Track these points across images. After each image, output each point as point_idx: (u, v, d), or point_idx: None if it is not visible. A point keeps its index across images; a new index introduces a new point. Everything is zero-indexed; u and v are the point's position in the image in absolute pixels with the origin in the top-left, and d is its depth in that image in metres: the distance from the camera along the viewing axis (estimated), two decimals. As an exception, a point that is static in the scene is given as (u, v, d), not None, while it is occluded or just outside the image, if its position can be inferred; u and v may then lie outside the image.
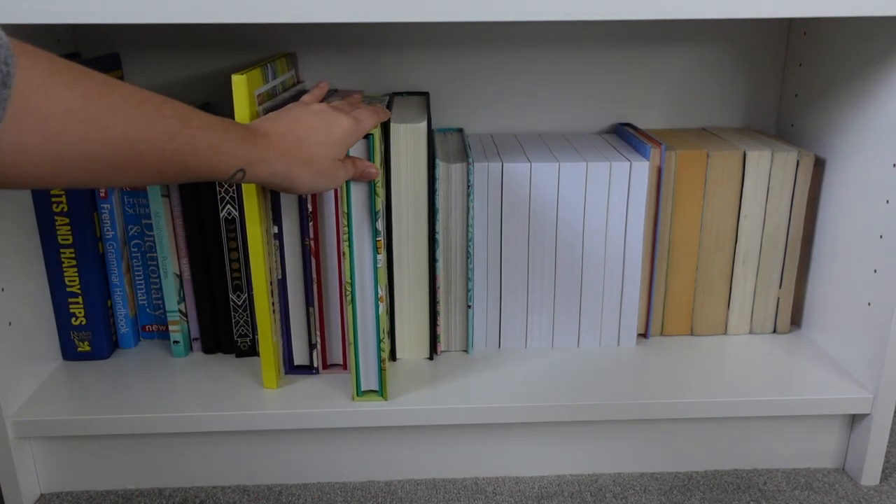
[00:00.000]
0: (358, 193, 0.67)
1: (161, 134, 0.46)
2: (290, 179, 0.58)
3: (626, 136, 0.86)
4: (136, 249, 0.82)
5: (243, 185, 0.66)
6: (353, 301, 0.70)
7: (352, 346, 0.71)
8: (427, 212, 0.75)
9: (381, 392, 0.73)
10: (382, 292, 0.70)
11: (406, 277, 0.77)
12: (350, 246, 0.68)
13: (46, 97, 0.39)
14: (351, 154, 0.65)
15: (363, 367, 0.72)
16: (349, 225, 0.67)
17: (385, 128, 0.72)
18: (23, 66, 0.37)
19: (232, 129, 0.52)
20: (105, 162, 0.43)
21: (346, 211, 0.67)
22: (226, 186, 0.76)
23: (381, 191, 0.68)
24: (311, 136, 0.59)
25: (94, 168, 0.43)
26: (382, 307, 0.70)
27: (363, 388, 0.73)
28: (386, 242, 0.73)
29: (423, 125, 0.72)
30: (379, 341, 0.71)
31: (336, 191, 0.70)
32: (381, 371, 0.72)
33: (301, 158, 0.58)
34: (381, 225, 0.68)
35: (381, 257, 0.69)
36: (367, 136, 0.66)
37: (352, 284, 0.69)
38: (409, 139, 0.72)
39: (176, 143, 0.47)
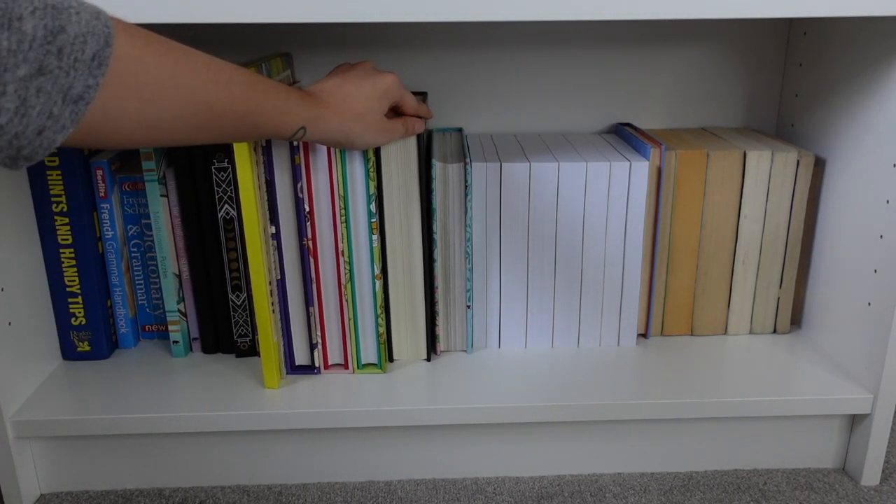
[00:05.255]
0: (353, 177, 0.71)
1: (236, 98, 0.52)
2: (345, 134, 0.64)
3: (626, 136, 0.86)
4: (135, 249, 0.82)
5: (240, 186, 0.67)
6: (351, 278, 0.74)
7: (351, 322, 0.76)
8: (420, 212, 0.74)
9: (380, 364, 0.77)
10: (378, 271, 0.74)
11: (401, 277, 0.77)
12: (347, 227, 0.73)
13: (144, 69, 0.44)
14: None
15: (363, 341, 0.77)
16: (346, 207, 0.72)
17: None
18: (123, 42, 0.42)
19: (293, 92, 0.59)
20: (189, 123, 0.49)
21: (342, 194, 0.72)
22: (223, 186, 0.76)
23: (374, 175, 0.72)
24: (360, 91, 0.64)
25: (180, 129, 0.49)
26: (379, 285, 0.75)
27: (363, 361, 0.78)
28: (380, 228, 0.74)
29: None
30: (377, 316, 0.76)
31: (331, 175, 0.71)
32: (380, 345, 0.77)
33: (352, 114, 0.63)
34: (374, 207, 0.72)
35: (376, 238, 0.73)
36: None
37: (350, 263, 0.74)
38: (398, 142, 0.72)
39: (248, 105, 0.53)
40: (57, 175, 0.75)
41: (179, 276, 0.81)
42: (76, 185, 0.76)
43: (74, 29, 0.39)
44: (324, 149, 0.70)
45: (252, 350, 0.82)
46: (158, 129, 0.47)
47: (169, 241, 0.79)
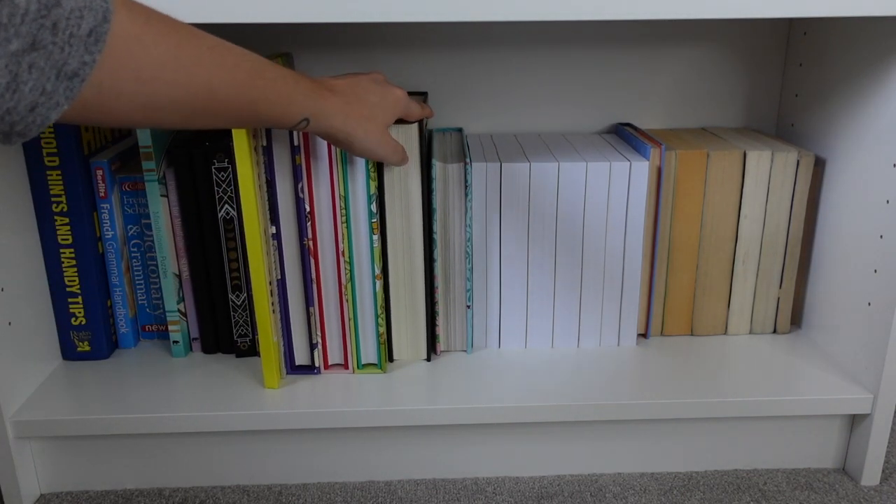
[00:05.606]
0: (354, 177, 0.71)
1: (240, 83, 0.50)
2: (346, 133, 0.63)
3: (626, 136, 0.86)
4: (135, 249, 0.82)
5: (241, 186, 0.67)
6: (351, 278, 0.74)
7: (352, 322, 0.76)
8: (421, 212, 0.74)
9: (380, 365, 0.77)
10: (379, 271, 0.74)
11: (402, 277, 0.77)
12: (348, 227, 0.73)
13: (143, 48, 0.42)
14: None
15: (363, 341, 0.77)
16: (346, 207, 0.72)
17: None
18: (123, 18, 0.41)
19: (301, 82, 0.58)
20: (189, 107, 0.48)
21: (343, 194, 0.72)
22: (223, 186, 0.76)
23: (374, 175, 0.72)
24: (368, 97, 0.64)
25: (179, 112, 0.47)
26: (379, 285, 0.75)
27: (363, 361, 0.78)
28: (381, 229, 0.74)
29: (414, 126, 0.71)
30: (377, 316, 0.75)
31: (332, 175, 0.71)
32: (380, 345, 0.77)
33: (357, 115, 0.63)
34: (375, 207, 0.72)
35: (377, 238, 0.73)
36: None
37: (350, 263, 0.74)
38: (399, 140, 0.72)
39: (252, 93, 0.52)
40: (57, 175, 0.75)
41: (179, 276, 0.81)
42: (76, 185, 0.76)
43: (70, 3, 0.37)
44: (325, 149, 0.70)
45: (252, 350, 0.82)
46: (157, 110, 0.46)
47: (169, 241, 0.79)
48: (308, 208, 0.72)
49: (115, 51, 0.41)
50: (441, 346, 0.82)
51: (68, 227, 0.77)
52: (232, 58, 0.50)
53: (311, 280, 0.74)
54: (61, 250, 0.78)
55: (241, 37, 0.88)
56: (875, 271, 0.72)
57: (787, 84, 0.90)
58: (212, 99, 0.49)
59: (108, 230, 0.80)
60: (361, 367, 0.78)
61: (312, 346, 0.77)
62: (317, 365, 0.77)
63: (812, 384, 0.75)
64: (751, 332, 0.86)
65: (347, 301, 0.75)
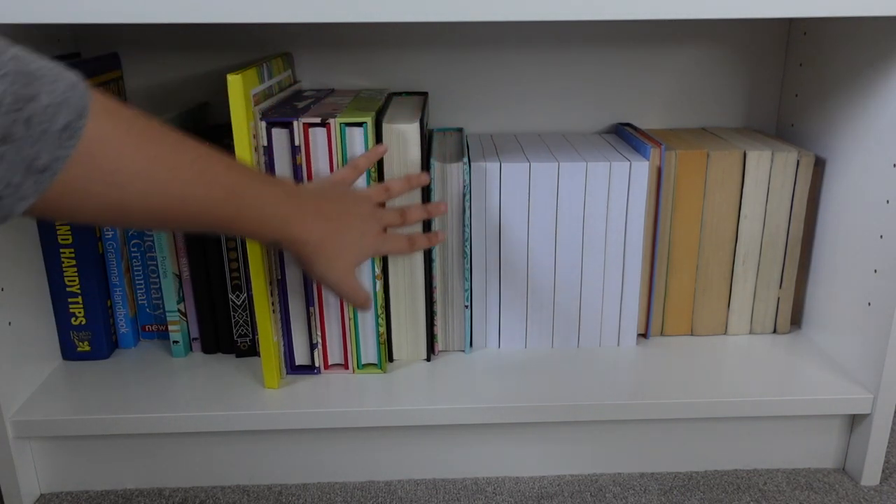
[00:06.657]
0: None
1: (214, 200, 0.50)
2: (311, 268, 0.63)
3: (626, 136, 0.86)
4: (135, 249, 0.82)
5: None
6: None
7: (352, 322, 0.76)
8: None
9: (380, 365, 0.77)
10: (379, 271, 0.74)
11: (402, 277, 0.77)
12: None
13: (118, 156, 0.42)
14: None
15: (363, 341, 0.77)
16: None
17: (377, 128, 0.72)
18: (103, 122, 0.41)
19: (282, 207, 0.57)
20: (158, 214, 0.47)
21: None
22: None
23: (375, 175, 0.72)
24: (350, 233, 0.64)
25: (147, 217, 0.47)
26: (379, 285, 0.75)
27: (363, 361, 0.78)
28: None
29: (415, 126, 0.71)
30: (377, 316, 0.75)
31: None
32: (380, 345, 0.77)
33: (332, 254, 0.62)
34: None
35: None
36: (361, 124, 0.70)
37: None
38: (399, 140, 0.72)
39: (227, 211, 0.52)
40: (57, 175, 0.75)
41: (179, 276, 0.81)
42: (76, 185, 0.76)
43: (47, 98, 0.37)
44: (325, 148, 0.70)
45: (252, 350, 0.82)
46: (126, 214, 0.45)
47: (169, 240, 0.79)
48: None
49: (89, 150, 0.40)
50: (439, 345, 0.82)
51: (68, 227, 0.77)
52: (211, 174, 0.49)
53: (311, 280, 0.74)
54: (61, 250, 0.78)
55: (241, 37, 0.88)
56: (875, 271, 0.72)
57: (787, 84, 0.90)
58: (183, 210, 0.48)
59: (108, 230, 0.80)
60: (361, 367, 0.78)
61: (312, 346, 0.77)
62: (317, 365, 0.77)
63: (812, 384, 0.75)
64: (751, 332, 0.86)
65: None
